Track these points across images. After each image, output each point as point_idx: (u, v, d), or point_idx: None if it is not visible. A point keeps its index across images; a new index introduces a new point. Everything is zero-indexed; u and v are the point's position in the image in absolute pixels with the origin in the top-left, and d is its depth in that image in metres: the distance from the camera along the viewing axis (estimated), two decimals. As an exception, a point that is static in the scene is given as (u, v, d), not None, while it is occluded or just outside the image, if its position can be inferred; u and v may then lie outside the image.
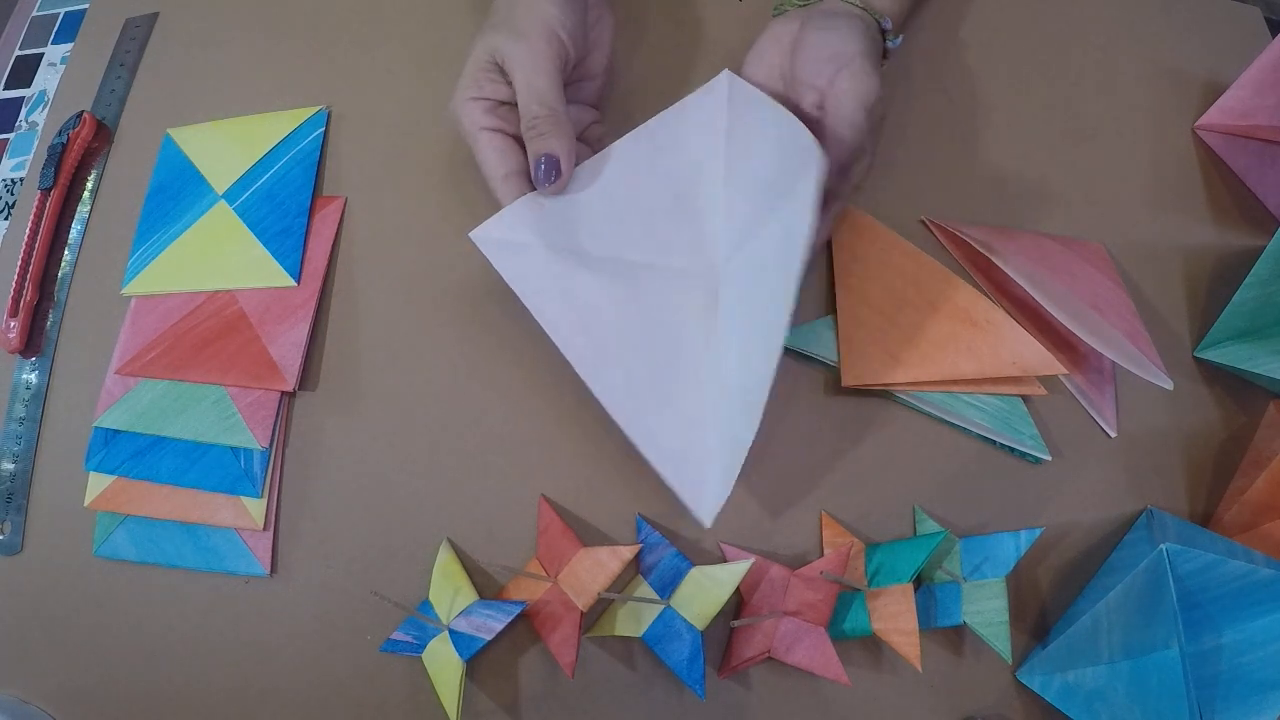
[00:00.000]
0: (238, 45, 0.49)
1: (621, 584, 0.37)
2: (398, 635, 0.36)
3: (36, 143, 0.48)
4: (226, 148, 0.45)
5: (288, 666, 0.37)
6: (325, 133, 0.45)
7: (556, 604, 0.35)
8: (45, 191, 0.44)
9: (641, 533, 0.38)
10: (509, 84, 0.36)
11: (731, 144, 0.37)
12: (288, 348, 0.40)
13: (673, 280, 0.36)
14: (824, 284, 0.42)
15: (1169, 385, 0.36)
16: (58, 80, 0.49)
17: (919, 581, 0.37)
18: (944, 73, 0.48)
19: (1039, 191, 0.45)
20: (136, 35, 0.49)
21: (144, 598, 0.38)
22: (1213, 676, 0.34)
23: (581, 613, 0.34)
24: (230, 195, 0.44)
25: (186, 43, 0.49)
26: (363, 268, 0.43)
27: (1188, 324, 0.43)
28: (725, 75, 0.39)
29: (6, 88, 0.51)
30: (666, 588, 0.36)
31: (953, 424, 0.40)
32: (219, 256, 0.42)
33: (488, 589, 0.37)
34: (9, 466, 0.40)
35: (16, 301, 0.42)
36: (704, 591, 0.34)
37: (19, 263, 0.43)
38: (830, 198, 0.38)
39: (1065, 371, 0.38)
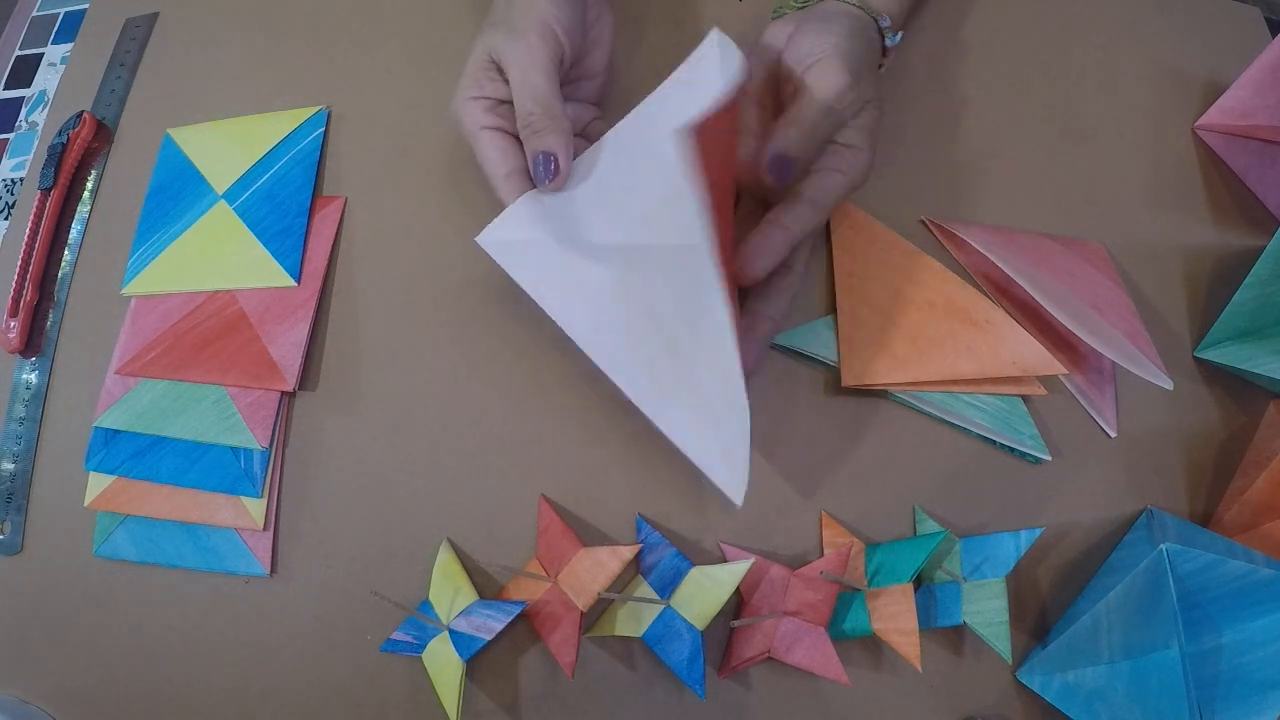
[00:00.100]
0: (238, 45, 0.49)
1: (621, 584, 0.37)
2: (398, 635, 0.36)
3: (36, 143, 0.48)
4: (226, 148, 0.45)
5: (288, 666, 0.37)
6: (325, 133, 0.45)
7: (556, 604, 0.35)
8: (45, 191, 0.44)
9: (641, 533, 0.38)
10: (508, 83, 0.36)
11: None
12: (288, 348, 0.40)
13: (683, 258, 0.36)
14: (824, 284, 0.42)
15: (1169, 385, 0.36)
16: (58, 80, 0.49)
17: (919, 581, 0.37)
18: (944, 73, 0.48)
19: (1039, 191, 0.45)
20: (136, 35, 0.49)
21: (144, 598, 0.38)
22: (1213, 676, 0.34)
23: (581, 613, 0.34)
24: (230, 195, 0.44)
25: (186, 43, 0.49)
26: (363, 268, 0.43)
27: (1188, 324, 0.43)
28: (715, 35, 0.37)
29: (6, 88, 0.51)
30: (666, 588, 0.36)
31: (953, 424, 0.40)
32: (219, 256, 0.42)
33: (488, 589, 0.37)
34: (9, 466, 0.40)
35: (16, 301, 0.42)
36: (704, 591, 0.34)
37: (19, 263, 0.43)
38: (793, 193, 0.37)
39: (1065, 371, 0.38)
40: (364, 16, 0.49)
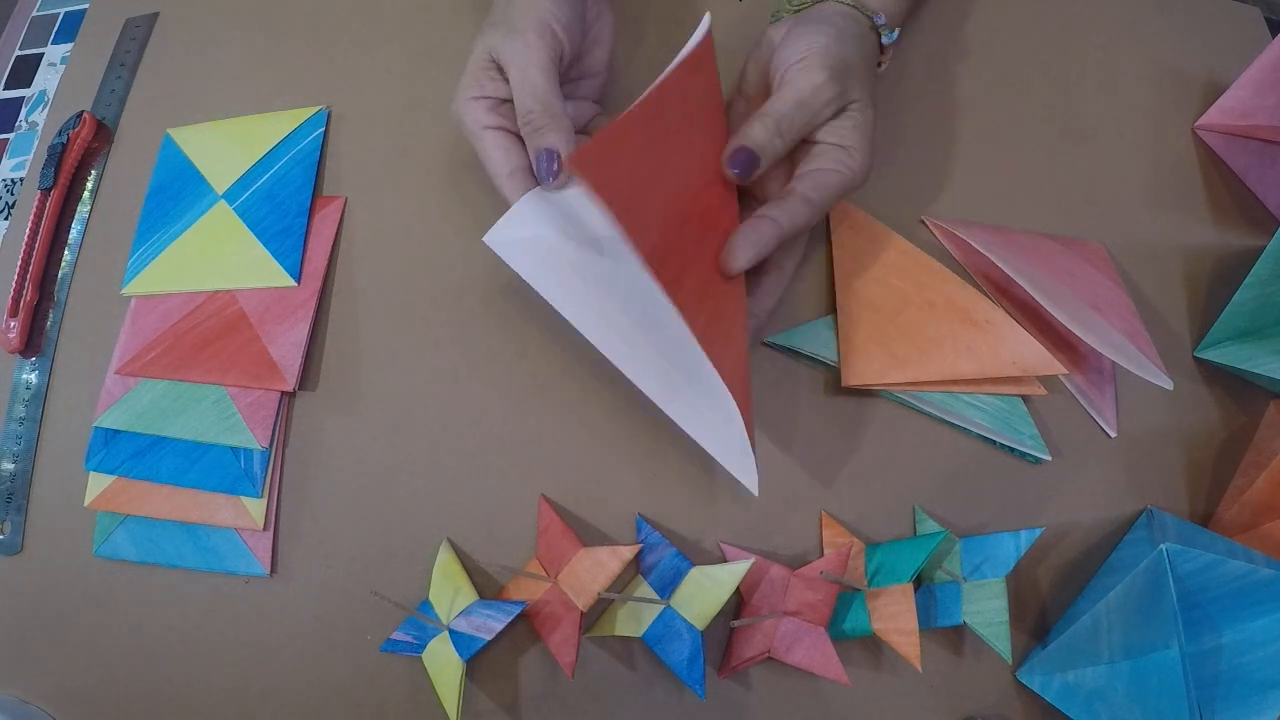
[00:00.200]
0: (238, 45, 0.49)
1: (621, 584, 0.37)
2: (398, 635, 0.36)
3: (36, 143, 0.48)
4: (226, 148, 0.45)
5: (288, 666, 0.37)
6: (325, 133, 0.45)
7: (556, 604, 0.35)
8: (45, 191, 0.44)
9: (641, 533, 0.38)
10: (508, 82, 0.36)
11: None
12: (288, 348, 0.40)
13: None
14: (824, 284, 0.42)
15: (1169, 385, 0.36)
16: (58, 80, 0.49)
17: (919, 581, 0.37)
18: (944, 73, 0.48)
19: (1039, 191, 0.45)
20: (136, 35, 0.49)
21: (144, 598, 0.38)
22: (1213, 676, 0.34)
23: (581, 613, 0.34)
24: (230, 195, 0.44)
25: (186, 43, 0.49)
26: (363, 268, 0.43)
27: (1188, 324, 0.43)
28: (706, 21, 0.38)
29: (6, 88, 0.51)
30: (666, 588, 0.36)
31: (953, 424, 0.40)
32: (219, 256, 0.42)
33: (488, 589, 0.37)
34: (9, 466, 0.40)
35: (16, 301, 0.42)
36: (704, 591, 0.34)
37: (19, 263, 0.43)
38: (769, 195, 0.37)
39: (1065, 371, 0.38)
40: (364, 16, 0.49)
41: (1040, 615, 0.38)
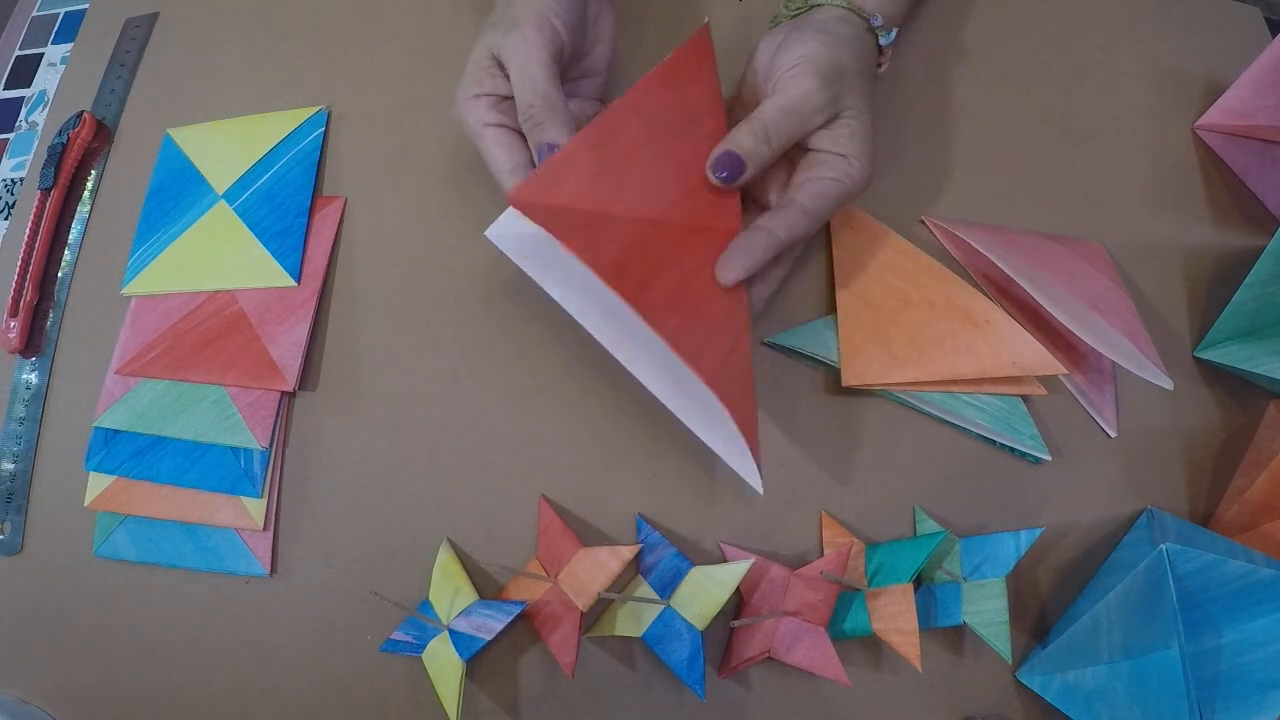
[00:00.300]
0: (238, 45, 0.49)
1: (621, 584, 0.37)
2: (398, 635, 0.36)
3: (36, 143, 0.48)
4: (226, 148, 0.45)
5: (288, 666, 0.37)
6: (325, 133, 0.45)
7: (556, 604, 0.35)
8: (45, 191, 0.44)
9: (641, 533, 0.38)
10: (509, 79, 0.36)
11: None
12: (288, 348, 0.40)
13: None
14: (824, 284, 0.42)
15: (1169, 385, 0.36)
16: (58, 80, 0.49)
17: (919, 581, 0.37)
18: (944, 73, 0.48)
19: (1039, 191, 0.45)
20: (136, 35, 0.49)
21: (144, 598, 0.38)
22: (1213, 676, 0.34)
23: (581, 613, 0.34)
24: (230, 195, 0.44)
25: (186, 43, 0.49)
26: (363, 268, 0.43)
27: (1188, 324, 0.43)
28: (704, 28, 0.38)
29: (6, 88, 0.51)
30: (666, 588, 0.36)
31: (953, 424, 0.40)
32: (219, 256, 0.42)
33: (488, 589, 0.37)
34: (9, 466, 0.40)
35: (16, 301, 0.42)
36: (704, 591, 0.34)
37: (19, 263, 0.43)
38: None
39: (1065, 371, 0.38)
40: (364, 16, 0.49)
41: (1040, 615, 0.38)
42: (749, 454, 0.32)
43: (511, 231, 0.35)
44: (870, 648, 0.37)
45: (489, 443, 0.39)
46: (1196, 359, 0.43)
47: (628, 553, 0.35)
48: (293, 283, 0.41)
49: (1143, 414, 0.41)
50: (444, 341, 0.41)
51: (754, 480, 0.32)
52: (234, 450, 0.39)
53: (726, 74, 0.45)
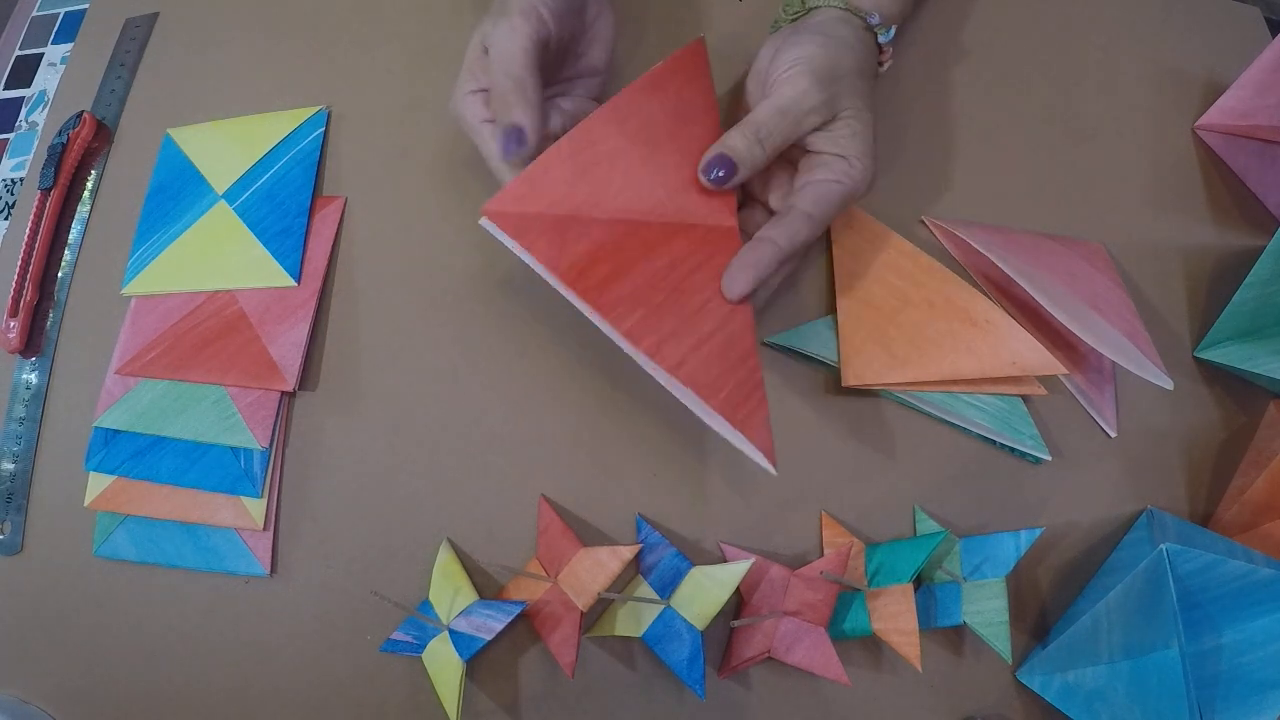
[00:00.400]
0: (238, 45, 0.49)
1: (621, 584, 0.37)
2: (398, 635, 0.36)
3: (36, 143, 0.48)
4: (226, 148, 0.45)
5: (288, 666, 0.37)
6: (325, 133, 0.45)
7: (556, 604, 0.35)
8: (45, 191, 0.44)
9: (641, 533, 0.38)
10: None
11: None
12: (288, 348, 0.40)
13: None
14: (824, 284, 0.42)
15: (1169, 385, 0.36)
16: (58, 80, 0.49)
17: (919, 581, 0.37)
18: (944, 73, 0.48)
19: (1039, 191, 0.45)
20: (136, 35, 0.49)
21: (144, 598, 0.38)
22: (1213, 676, 0.34)
23: (581, 613, 0.34)
24: (230, 195, 0.44)
25: (186, 43, 0.49)
26: (363, 268, 0.43)
27: (1188, 324, 0.43)
28: (699, 40, 0.39)
29: (6, 88, 0.51)
30: (666, 588, 0.36)
31: (953, 424, 0.40)
32: (219, 256, 0.42)
33: (488, 589, 0.37)
34: (9, 466, 0.40)
35: (16, 301, 0.42)
36: (704, 591, 0.34)
37: (19, 263, 0.43)
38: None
39: (1065, 371, 0.38)
40: (364, 16, 0.49)
41: (1040, 615, 0.38)
42: (742, 436, 0.32)
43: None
44: (870, 648, 0.37)
45: (489, 443, 0.39)
46: (1196, 359, 0.43)
47: (628, 553, 0.35)
48: (293, 283, 0.41)
49: (1143, 414, 0.41)
50: (444, 341, 0.41)
51: (761, 460, 0.32)
52: (234, 450, 0.39)
53: (726, 75, 0.45)
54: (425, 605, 0.36)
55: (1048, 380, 0.40)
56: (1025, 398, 0.40)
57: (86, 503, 0.39)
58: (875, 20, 0.40)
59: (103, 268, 0.43)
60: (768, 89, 0.37)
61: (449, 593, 0.36)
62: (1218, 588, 0.34)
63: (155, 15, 0.50)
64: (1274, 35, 0.51)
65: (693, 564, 0.36)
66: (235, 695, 0.37)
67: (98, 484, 0.39)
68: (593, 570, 0.35)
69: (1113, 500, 0.40)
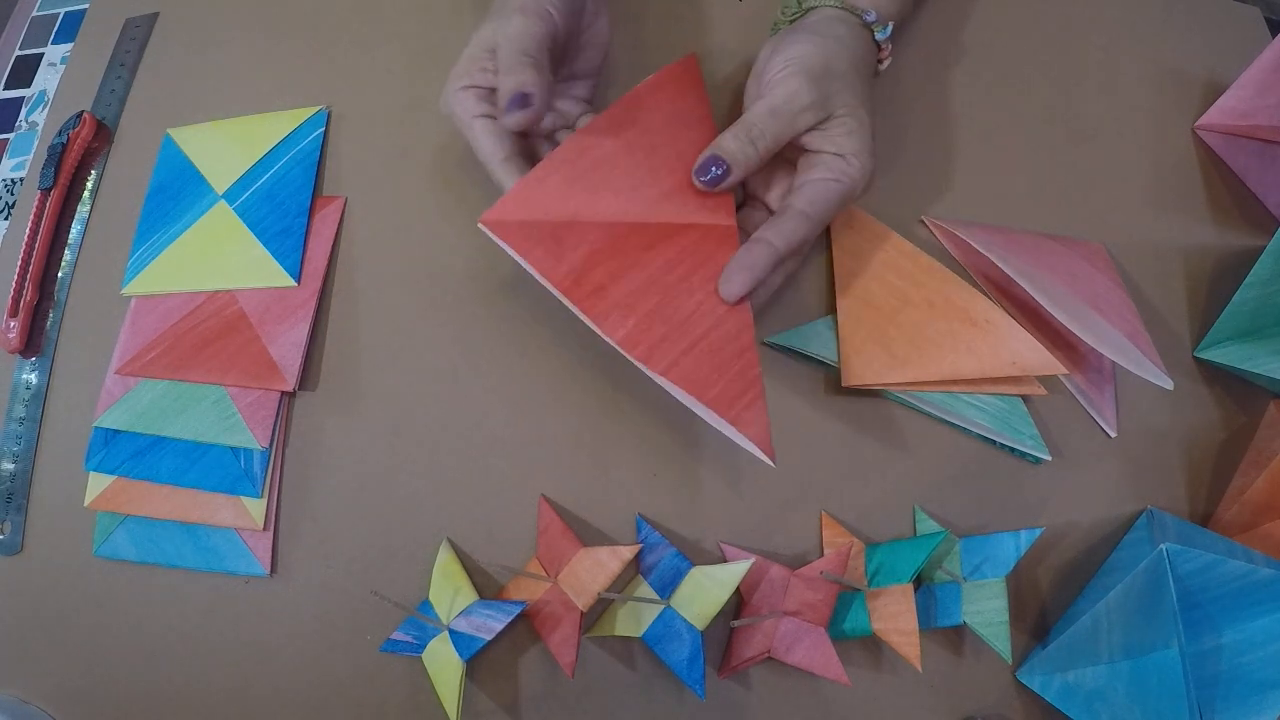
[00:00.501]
0: (238, 45, 0.49)
1: (621, 584, 0.37)
2: (398, 635, 0.36)
3: (36, 143, 0.48)
4: (226, 148, 0.45)
5: (288, 666, 0.37)
6: (325, 133, 0.45)
7: (556, 604, 0.35)
8: (45, 191, 0.44)
9: (641, 533, 0.38)
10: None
11: None
12: (288, 348, 0.40)
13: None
14: (824, 284, 0.42)
15: (1169, 385, 0.36)
16: (58, 80, 0.49)
17: (919, 581, 0.37)
18: (944, 73, 0.48)
19: (1039, 191, 0.45)
20: (136, 35, 0.49)
21: (144, 598, 0.38)
22: (1213, 676, 0.34)
23: (581, 613, 0.34)
24: (230, 195, 0.44)
25: (186, 43, 0.49)
26: (363, 268, 0.43)
27: (1188, 324, 0.43)
28: (690, 58, 0.40)
29: (6, 88, 0.51)
30: (666, 588, 0.36)
31: (953, 424, 0.40)
32: (219, 256, 0.42)
33: (488, 589, 0.37)
34: (9, 466, 0.40)
35: (16, 301, 0.42)
36: (704, 591, 0.34)
37: (19, 263, 0.43)
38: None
39: (1065, 371, 0.38)
40: (364, 16, 0.49)
41: (1040, 615, 0.38)
42: (736, 430, 0.33)
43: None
44: (870, 648, 0.37)
45: (489, 443, 0.39)
46: (1196, 359, 0.43)
47: (628, 553, 0.35)
48: (293, 283, 0.41)
49: (1143, 414, 0.41)
50: (444, 342, 0.41)
51: (758, 453, 0.32)
52: (234, 450, 0.39)
53: (728, 76, 0.45)
54: (425, 605, 0.36)
55: (1048, 380, 0.40)
56: (1025, 398, 0.40)
57: (86, 503, 0.39)
58: (871, 17, 0.39)
59: (103, 268, 0.43)
60: (762, 90, 0.37)
61: (449, 593, 0.36)
62: (1218, 588, 0.34)
63: (155, 15, 0.50)
64: (1274, 35, 0.51)
65: (693, 564, 0.36)
66: (235, 695, 0.37)
67: (98, 484, 0.39)
68: (593, 570, 0.35)
69: (1113, 500, 0.40)
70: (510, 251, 0.34)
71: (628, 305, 0.34)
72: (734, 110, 0.43)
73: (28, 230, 0.43)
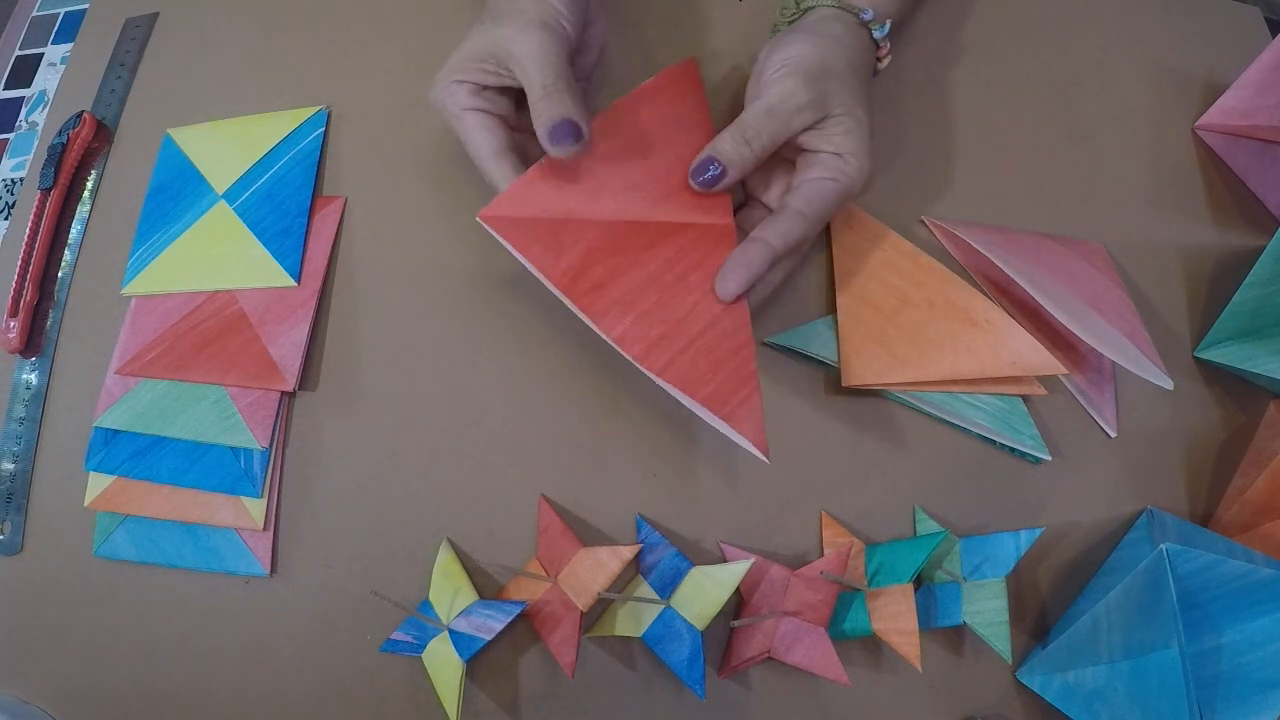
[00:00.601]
0: (238, 45, 0.49)
1: (621, 584, 0.37)
2: (398, 635, 0.36)
3: (36, 143, 0.48)
4: (226, 148, 0.45)
5: (288, 666, 0.37)
6: (325, 133, 0.45)
7: (556, 604, 0.35)
8: (45, 191, 0.44)
9: (641, 533, 0.38)
10: (499, 74, 0.36)
11: None
12: (288, 348, 0.40)
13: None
14: (824, 284, 0.42)
15: (1169, 385, 0.36)
16: (58, 80, 0.49)
17: (919, 581, 0.37)
18: (944, 72, 0.48)
19: (1039, 191, 0.45)
20: (136, 35, 0.49)
21: (144, 598, 0.38)
22: (1213, 676, 0.34)
23: (581, 613, 0.34)
24: (230, 195, 0.44)
25: (186, 43, 0.49)
26: (363, 268, 0.43)
27: (1188, 324, 0.43)
28: (689, 62, 0.40)
29: (6, 88, 0.51)
30: (666, 588, 0.36)
31: (953, 424, 0.40)
32: (219, 256, 0.42)
33: (488, 589, 0.37)
34: (9, 466, 0.40)
35: (16, 301, 0.42)
36: (704, 591, 0.34)
37: (19, 263, 0.43)
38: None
39: (1065, 371, 0.38)
40: (364, 16, 0.49)
41: (1040, 615, 0.38)
42: (729, 427, 0.33)
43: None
44: (870, 648, 0.37)
45: (489, 443, 0.39)
46: (1196, 359, 0.43)
47: (628, 553, 0.35)
48: (293, 283, 0.41)
49: (1143, 414, 0.41)
50: (444, 341, 0.41)
51: (753, 450, 0.33)
52: (234, 450, 0.39)
53: (728, 77, 0.45)
54: (425, 605, 0.36)
55: (1048, 380, 0.40)
56: (1025, 398, 0.40)
57: (86, 503, 0.39)
58: (868, 15, 0.39)
59: (103, 268, 0.43)
60: (760, 91, 0.37)
61: (449, 593, 0.36)
62: (1218, 588, 0.34)
63: (155, 15, 0.50)
64: (1274, 35, 0.51)
65: (693, 564, 0.36)
66: (235, 695, 0.37)
67: (98, 484, 0.39)
68: (593, 570, 0.35)
69: (1113, 500, 0.40)
70: (509, 248, 0.34)
71: (626, 303, 0.34)
72: (734, 112, 0.42)
73: (28, 230, 0.43)
